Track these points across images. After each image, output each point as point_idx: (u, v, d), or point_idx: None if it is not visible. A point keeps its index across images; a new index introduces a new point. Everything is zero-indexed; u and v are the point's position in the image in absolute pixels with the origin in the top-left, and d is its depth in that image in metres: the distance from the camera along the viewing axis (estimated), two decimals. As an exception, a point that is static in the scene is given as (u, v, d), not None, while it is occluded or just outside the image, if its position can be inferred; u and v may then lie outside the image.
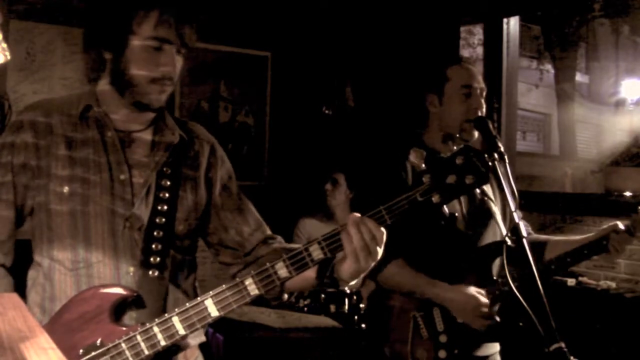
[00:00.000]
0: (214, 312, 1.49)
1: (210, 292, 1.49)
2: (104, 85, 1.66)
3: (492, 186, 2.36)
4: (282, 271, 1.47)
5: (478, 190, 2.32)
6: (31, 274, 1.66)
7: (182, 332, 1.49)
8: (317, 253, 1.45)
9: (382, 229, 1.43)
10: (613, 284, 3.51)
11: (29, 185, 1.61)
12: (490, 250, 2.25)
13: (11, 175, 1.60)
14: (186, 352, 1.68)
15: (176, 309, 1.50)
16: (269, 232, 1.79)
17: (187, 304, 1.50)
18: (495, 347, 2.29)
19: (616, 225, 2.19)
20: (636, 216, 2.18)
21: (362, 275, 1.50)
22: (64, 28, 4.12)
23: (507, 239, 1.87)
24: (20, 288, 1.64)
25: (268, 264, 1.47)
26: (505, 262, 1.97)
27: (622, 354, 3.09)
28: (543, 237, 2.43)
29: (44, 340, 1.42)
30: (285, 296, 1.69)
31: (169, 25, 1.56)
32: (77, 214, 1.58)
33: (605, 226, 2.22)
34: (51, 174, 1.59)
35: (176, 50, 1.60)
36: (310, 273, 1.55)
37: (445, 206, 1.44)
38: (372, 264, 1.46)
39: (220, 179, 1.76)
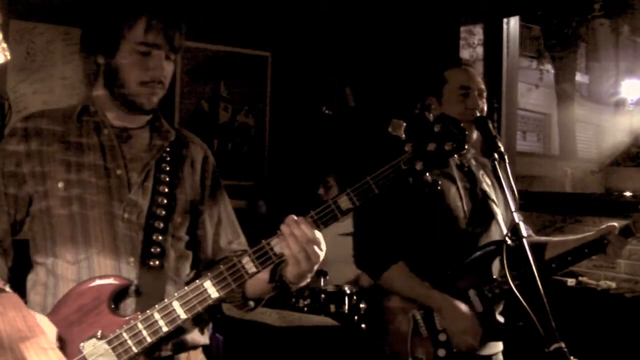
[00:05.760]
0: (213, 293, 1.51)
1: (209, 274, 1.51)
2: (99, 87, 1.71)
3: (493, 187, 2.37)
4: (277, 247, 1.50)
5: (480, 191, 2.33)
6: (31, 276, 1.67)
7: (183, 316, 1.51)
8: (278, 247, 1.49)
9: (317, 231, 1.47)
10: (613, 284, 3.51)
11: (19, 194, 1.64)
12: (491, 249, 2.25)
13: (4, 185, 1.64)
14: (190, 355, 1.69)
15: (176, 294, 1.52)
16: (245, 246, 1.83)
17: (186, 288, 1.52)
18: (498, 347, 2.29)
19: (614, 227, 2.19)
20: (637, 215, 2.17)
21: (308, 277, 1.55)
22: (64, 28, 4.13)
23: (507, 238, 1.87)
24: (19, 292, 1.64)
25: (264, 241, 1.50)
26: (505, 261, 1.98)
27: (622, 354, 3.09)
28: (543, 238, 2.43)
29: (44, 340, 1.42)
30: (252, 303, 1.72)
31: (157, 31, 1.61)
32: (76, 212, 1.60)
33: (604, 226, 2.22)
34: (49, 179, 1.62)
35: (165, 55, 1.64)
36: (264, 276, 1.58)
37: (428, 174, 1.48)
38: (316, 265, 1.50)
39: (209, 188, 1.80)
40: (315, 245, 1.47)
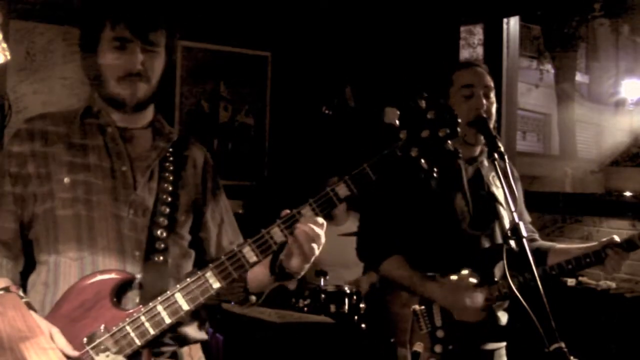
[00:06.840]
0: (215, 283, 1.52)
1: (210, 265, 1.53)
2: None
3: (502, 188, 2.37)
4: (277, 236, 1.52)
5: (488, 193, 2.33)
6: (32, 277, 1.68)
7: (185, 307, 1.51)
8: (278, 235, 1.52)
9: (321, 218, 1.51)
10: (613, 284, 3.52)
11: (25, 194, 1.64)
12: (493, 252, 2.25)
13: (10, 186, 1.64)
14: (191, 350, 1.70)
15: (178, 285, 1.53)
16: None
17: (188, 279, 1.53)
18: (501, 342, 2.31)
19: (613, 239, 2.20)
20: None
21: (307, 267, 1.58)
22: (64, 28, 4.13)
23: (508, 239, 1.87)
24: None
25: (263, 231, 1.52)
26: (505, 263, 1.98)
27: (622, 354, 3.09)
28: (547, 243, 2.44)
29: (44, 340, 1.43)
30: (253, 298, 1.74)
31: (129, 25, 1.63)
32: (81, 212, 1.61)
33: (606, 238, 2.23)
34: (54, 180, 1.63)
35: (140, 48, 1.64)
36: (264, 269, 1.62)
37: (423, 161, 1.51)
38: (317, 252, 1.54)
39: (211, 190, 1.82)
40: (321, 236, 1.52)
